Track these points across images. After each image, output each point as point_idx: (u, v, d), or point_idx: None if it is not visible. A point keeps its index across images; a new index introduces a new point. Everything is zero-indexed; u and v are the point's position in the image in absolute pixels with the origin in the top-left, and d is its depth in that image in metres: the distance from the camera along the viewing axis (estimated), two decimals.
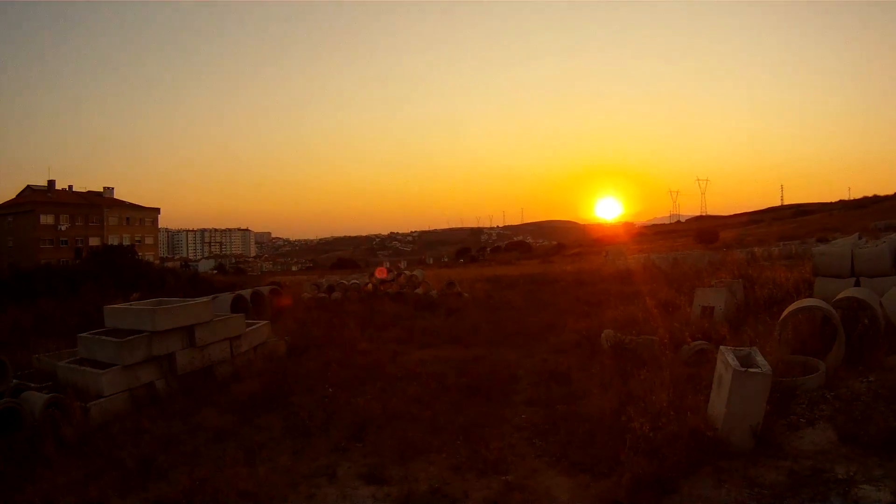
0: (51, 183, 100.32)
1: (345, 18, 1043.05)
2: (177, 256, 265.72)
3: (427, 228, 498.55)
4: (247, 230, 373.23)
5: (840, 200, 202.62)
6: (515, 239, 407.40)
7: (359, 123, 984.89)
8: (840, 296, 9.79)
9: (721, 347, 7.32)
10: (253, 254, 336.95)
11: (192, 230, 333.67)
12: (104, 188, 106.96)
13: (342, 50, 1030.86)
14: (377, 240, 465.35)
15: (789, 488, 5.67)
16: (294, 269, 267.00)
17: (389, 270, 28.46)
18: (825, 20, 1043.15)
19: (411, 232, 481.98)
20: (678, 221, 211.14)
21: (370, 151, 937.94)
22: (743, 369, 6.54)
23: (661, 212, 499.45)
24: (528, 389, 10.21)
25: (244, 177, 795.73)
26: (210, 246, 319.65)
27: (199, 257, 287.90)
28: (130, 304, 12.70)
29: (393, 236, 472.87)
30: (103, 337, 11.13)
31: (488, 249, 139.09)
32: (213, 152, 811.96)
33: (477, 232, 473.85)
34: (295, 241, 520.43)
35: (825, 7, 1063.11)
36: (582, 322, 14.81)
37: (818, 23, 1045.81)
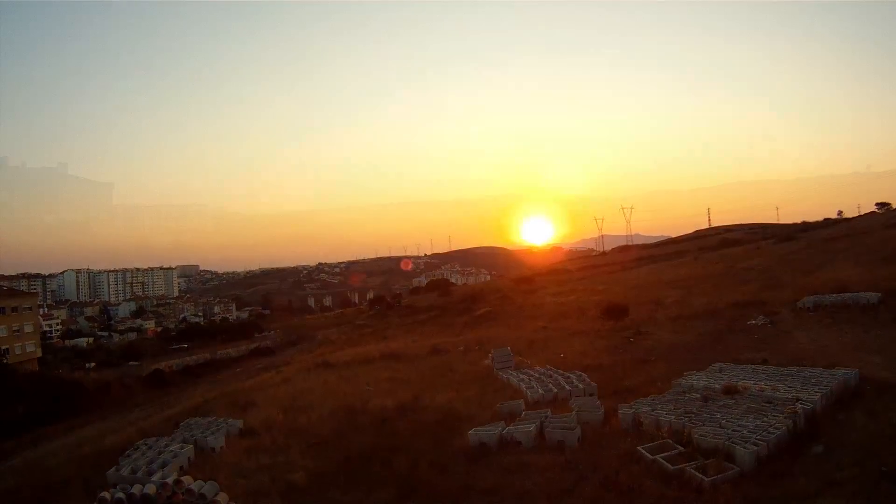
0: None
1: (277, 48, 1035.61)
2: (95, 301, 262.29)
3: (355, 258, 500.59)
4: (170, 269, 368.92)
5: (768, 226, 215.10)
6: (439, 273, 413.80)
7: (290, 150, 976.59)
8: None
9: None
10: (176, 293, 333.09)
11: (114, 270, 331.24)
12: None
13: (270, 78, 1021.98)
14: (304, 272, 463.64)
15: None
16: (216, 309, 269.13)
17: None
18: (750, 49, 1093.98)
19: (339, 263, 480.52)
20: (602, 253, 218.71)
21: (300, 179, 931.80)
22: None
23: (589, 233, 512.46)
24: None
25: (172, 206, 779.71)
26: (132, 286, 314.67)
27: (119, 300, 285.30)
28: None
29: (321, 268, 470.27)
30: None
31: (402, 301, 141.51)
32: (138, 182, 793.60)
33: (405, 261, 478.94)
34: (223, 273, 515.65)
35: (746, 38, 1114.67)
36: None
37: (744, 48, 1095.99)
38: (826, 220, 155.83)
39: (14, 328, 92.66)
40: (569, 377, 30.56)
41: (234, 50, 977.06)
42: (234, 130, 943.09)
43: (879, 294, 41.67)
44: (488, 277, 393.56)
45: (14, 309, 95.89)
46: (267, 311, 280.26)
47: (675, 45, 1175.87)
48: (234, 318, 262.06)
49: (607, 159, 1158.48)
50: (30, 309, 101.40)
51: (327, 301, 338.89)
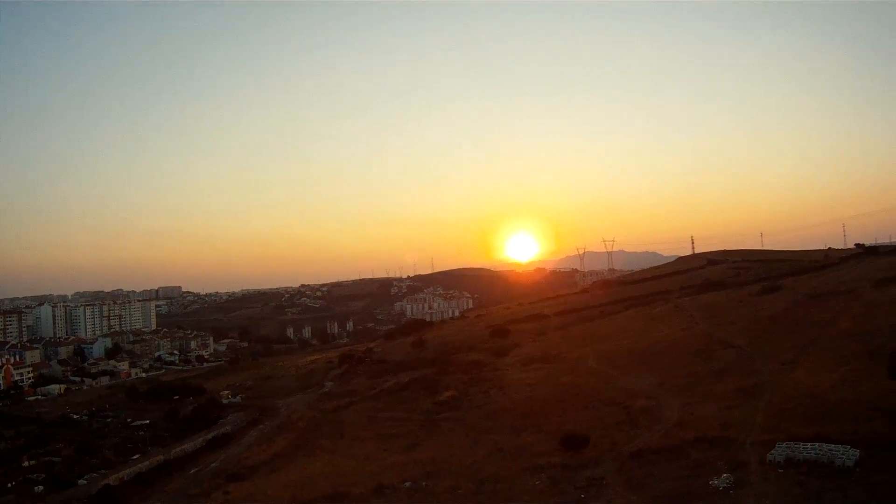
0: None
1: (259, 68, 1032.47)
2: (71, 338, 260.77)
3: (338, 280, 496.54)
4: (147, 302, 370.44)
5: (752, 254, 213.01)
6: (421, 297, 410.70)
7: (269, 171, 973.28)
8: None
9: None
10: (154, 325, 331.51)
11: (91, 304, 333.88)
12: None
13: (254, 98, 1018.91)
14: (286, 295, 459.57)
15: None
16: (192, 344, 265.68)
17: None
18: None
19: (321, 285, 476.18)
20: (584, 290, 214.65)
21: (284, 200, 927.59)
22: None
23: (572, 250, 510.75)
24: None
25: (154, 226, 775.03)
26: (109, 320, 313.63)
27: (96, 334, 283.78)
28: None
29: (303, 290, 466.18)
30: None
31: (373, 354, 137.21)
32: (123, 203, 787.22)
33: (387, 284, 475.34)
34: (205, 295, 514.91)
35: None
36: None
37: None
38: (812, 262, 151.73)
39: None
40: None
41: (215, 68, 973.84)
42: (218, 151, 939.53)
43: (857, 452, 37.30)
44: (470, 302, 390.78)
45: None
46: (245, 345, 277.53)
47: (665, 58, 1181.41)
48: (211, 352, 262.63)
49: (592, 173, 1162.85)
50: None
51: (306, 331, 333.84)
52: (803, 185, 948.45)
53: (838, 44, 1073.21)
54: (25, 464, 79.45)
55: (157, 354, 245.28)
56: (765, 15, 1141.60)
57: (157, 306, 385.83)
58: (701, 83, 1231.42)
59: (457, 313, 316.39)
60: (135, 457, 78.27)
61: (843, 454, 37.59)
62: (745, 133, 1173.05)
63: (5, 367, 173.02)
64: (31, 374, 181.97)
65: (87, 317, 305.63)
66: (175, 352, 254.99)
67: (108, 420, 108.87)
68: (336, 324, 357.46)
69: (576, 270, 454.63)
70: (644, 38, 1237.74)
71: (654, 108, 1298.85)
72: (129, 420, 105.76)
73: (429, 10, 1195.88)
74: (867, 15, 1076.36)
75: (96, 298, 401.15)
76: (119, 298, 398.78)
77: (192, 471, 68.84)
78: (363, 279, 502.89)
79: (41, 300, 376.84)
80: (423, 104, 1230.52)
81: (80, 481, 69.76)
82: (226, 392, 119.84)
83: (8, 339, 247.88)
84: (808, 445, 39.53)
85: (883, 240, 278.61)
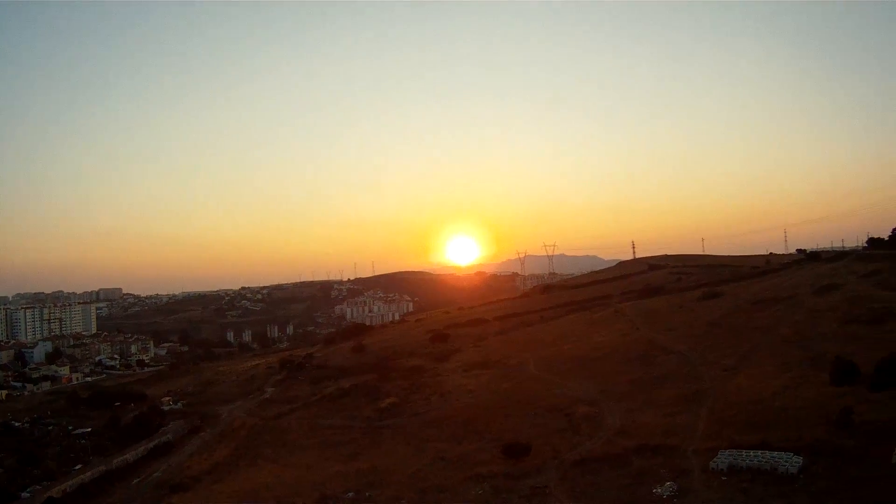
0: None
1: (194, 68, 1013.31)
2: (11, 342, 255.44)
3: (278, 283, 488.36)
4: (87, 304, 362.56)
5: (692, 259, 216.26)
6: (361, 300, 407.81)
7: (210, 173, 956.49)
8: None
9: None
10: (94, 329, 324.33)
11: (31, 307, 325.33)
12: None
13: (194, 99, 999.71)
14: (227, 297, 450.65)
15: None
16: (133, 349, 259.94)
17: None
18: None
19: (262, 288, 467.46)
20: (524, 295, 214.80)
21: (222, 202, 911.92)
22: None
23: (512, 254, 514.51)
24: None
25: (95, 227, 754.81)
26: (49, 323, 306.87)
27: (36, 337, 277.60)
28: None
29: (243, 293, 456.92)
30: None
31: (313, 360, 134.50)
32: (63, 203, 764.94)
33: (327, 287, 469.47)
34: (146, 297, 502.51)
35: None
36: None
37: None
38: (753, 268, 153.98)
39: None
40: None
41: (157, 68, 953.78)
42: (158, 152, 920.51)
43: (800, 460, 37.15)
44: (411, 306, 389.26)
45: None
46: (185, 349, 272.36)
47: (603, 62, 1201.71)
48: (152, 356, 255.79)
49: (533, 177, 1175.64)
50: None
51: (247, 335, 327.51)
52: (745, 192, 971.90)
53: (775, 51, 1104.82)
54: None
55: (97, 359, 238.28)
56: (702, 19, 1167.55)
57: (97, 308, 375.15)
58: (641, 88, 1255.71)
59: (397, 317, 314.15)
60: (77, 467, 75.01)
61: (787, 461, 37.40)
62: (685, 139, 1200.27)
63: None
64: None
65: (28, 320, 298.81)
66: (116, 356, 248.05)
67: (50, 428, 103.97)
68: (276, 327, 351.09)
69: (516, 274, 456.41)
70: (581, 41, 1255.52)
71: (594, 113, 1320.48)
72: (70, 428, 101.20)
73: (359, 10, 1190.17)
74: (806, 21, 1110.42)
75: (36, 300, 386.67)
76: (59, 300, 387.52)
77: (135, 481, 66.30)
78: (303, 282, 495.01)
79: None
80: (362, 106, 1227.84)
81: (23, 494, 66.42)
82: (167, 398, 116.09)
83: None
84: (752, 453, 39.29)
85: (824, 244, 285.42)
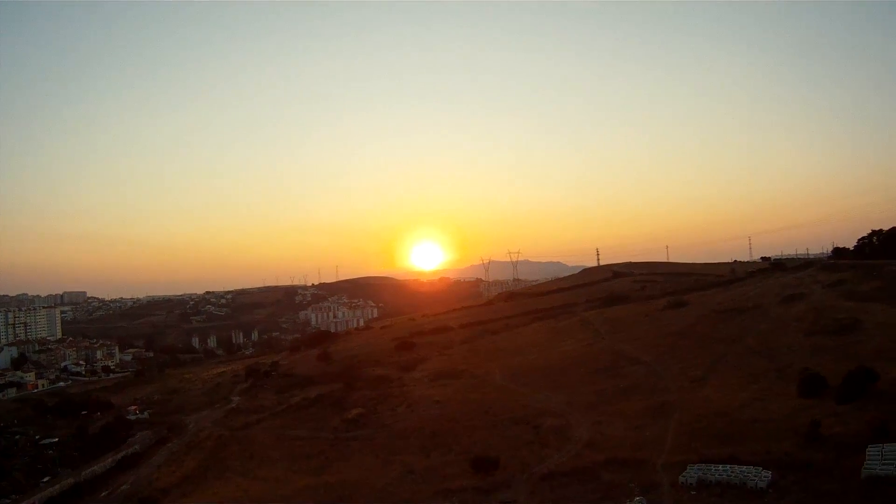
0: None
1: (156, 69, 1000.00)
2: None
3: (243, 287, 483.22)
4: (52, 308, 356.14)
5: (657, 266, 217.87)
6: (326, 305, 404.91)
7: (174, 176, 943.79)
8: None
9: None
10: (59, 334, 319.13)
11: None
12: None
13: (157, 100, 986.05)
14: (191, 302, 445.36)
15: None
16: (98, 354, 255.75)
17: None
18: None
19: (226, 292, 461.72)
20: (488, 302, 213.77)
21: (187, 205, 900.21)
22: None
23: (476, 259, 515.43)
24: None
25: (59, 229, 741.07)
26: (14, 328, 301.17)
27: (1, 344, 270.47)
28: None
29: (208, 298, 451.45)
30: None
31: (280, 368, 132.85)
32: (26, 205, 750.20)
33: (292, 292, 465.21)
34: (110, 301, 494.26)
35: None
36: None
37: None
38: (719, 277, 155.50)
39: None
40: None
41: (116, 69, 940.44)
42: (121, 153, 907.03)
43: (769, 474, 37.03)
44: (375, 312, 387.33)
45: None
46: (151, 355, 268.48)
47: (567, 67, 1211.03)
48: (117, 362, 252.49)
49: (497, 183, 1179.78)
50: None
51: (212, 341, 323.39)
52: (709, 200, 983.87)
53: (734, 59, 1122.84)
54: None
55: (63, 365, 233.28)
56: (674, 21, 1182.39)
57: (62, 312, 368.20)
58: (605, 96, 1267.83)
59: (362, 323, 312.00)
60: (45, 479, 73.40)
61: (756, 476, 37.26)
62: (651, 146, 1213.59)
63: None
64: None
65: None
66: (81, 362, 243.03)
67: (17, 437, 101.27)
68: (241, 333, 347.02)
69: (480, 280, 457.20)
70: (545, 48, 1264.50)
71: (560, 119, 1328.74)
72: (37, 438, 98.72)
73: (327, 14, 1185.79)
74: (770, 27, 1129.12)
75: (1, 304, 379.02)
76: (24, 304, 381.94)
77: (103, 493, 65.33)
78: (268, 287, 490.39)
79: None
80: (326, 110, 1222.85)
81: None
82: (133, 407, 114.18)
83: None
84: (721, 467, 39.09)
85: (789, 252, 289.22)
